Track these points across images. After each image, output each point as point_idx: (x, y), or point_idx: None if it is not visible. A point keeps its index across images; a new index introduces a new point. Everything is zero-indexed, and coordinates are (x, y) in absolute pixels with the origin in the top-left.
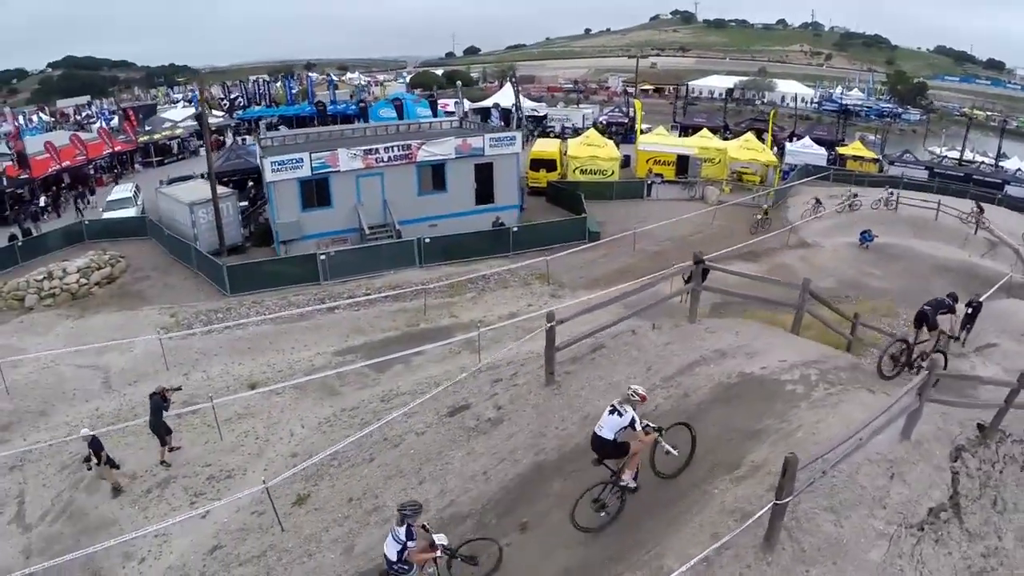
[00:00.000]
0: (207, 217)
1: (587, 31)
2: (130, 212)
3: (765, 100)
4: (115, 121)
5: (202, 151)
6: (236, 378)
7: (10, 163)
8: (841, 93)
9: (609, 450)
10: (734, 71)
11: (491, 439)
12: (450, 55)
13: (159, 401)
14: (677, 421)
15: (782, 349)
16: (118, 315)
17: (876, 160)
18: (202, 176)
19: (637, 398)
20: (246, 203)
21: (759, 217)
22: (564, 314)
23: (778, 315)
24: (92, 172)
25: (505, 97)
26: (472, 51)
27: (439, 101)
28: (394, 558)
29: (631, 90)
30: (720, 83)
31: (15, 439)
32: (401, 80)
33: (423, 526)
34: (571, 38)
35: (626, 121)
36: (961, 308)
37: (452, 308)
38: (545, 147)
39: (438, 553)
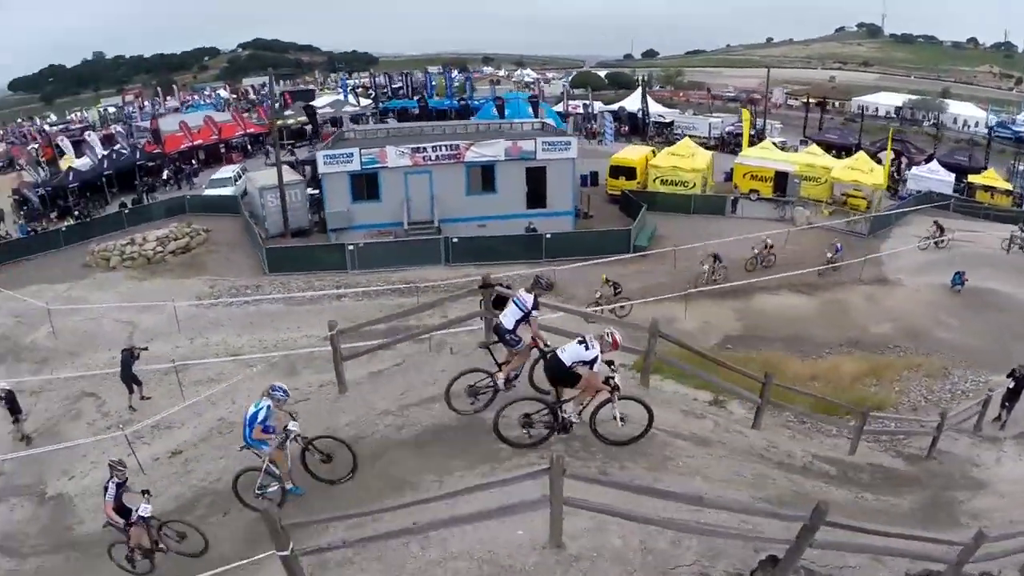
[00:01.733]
0: (276, 201)
1: (769, 40)
2: (228, 191)
3: (933, 121)
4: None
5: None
6: (227, 347)
7: (148, 140)
8: None
9: (561, 376)
10: (918, 90)
11: None
12: (628, 57)
13: (127, 356)
14: (634, 397)
15: None
16: (172, 281)
17: (1010, 192)
18: (293, 164)
19: (609, 340)
20: (318, 191)
21: (829, 256)
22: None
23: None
24: (223, 151)
25: (632, 102)
26: (650, 54)
27: (571, 103)
28: (510, 326)
29: (793, 102)
30: (887, 100)
31: (45, 371)
32: (565, 80)
33: None
34: (751, 46)
35: (752, 132)
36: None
37: (448, 308)
38: (627, 154)
39: (543, 345)
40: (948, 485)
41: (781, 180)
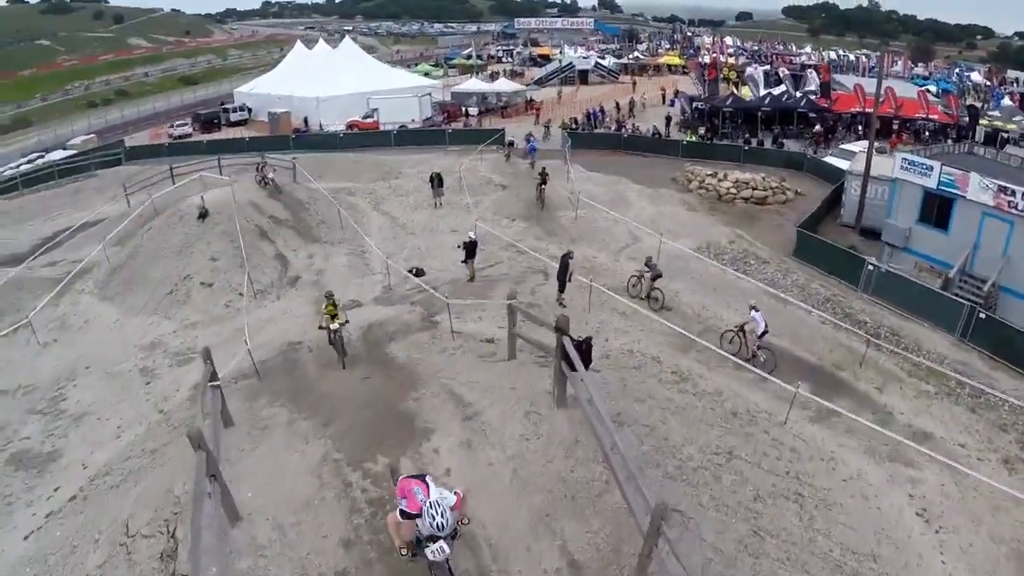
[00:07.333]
0: (858, 190)
1: None
2: (844, 165)
3: None
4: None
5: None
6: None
7: (820, 96)
8: None
9: None
10: None
11: None
12: None
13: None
14: None
15: None
16: (710, 219)
17: None
18: None
19: None
20: None
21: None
22: None
23: None
24: (895, 128)
25: None
26: None
27: None
28: None
29: None
30: None
31: None
32: None
33: None
34: None
35: None
36: None
37: None
38: None
39: None
40: None
41: None
